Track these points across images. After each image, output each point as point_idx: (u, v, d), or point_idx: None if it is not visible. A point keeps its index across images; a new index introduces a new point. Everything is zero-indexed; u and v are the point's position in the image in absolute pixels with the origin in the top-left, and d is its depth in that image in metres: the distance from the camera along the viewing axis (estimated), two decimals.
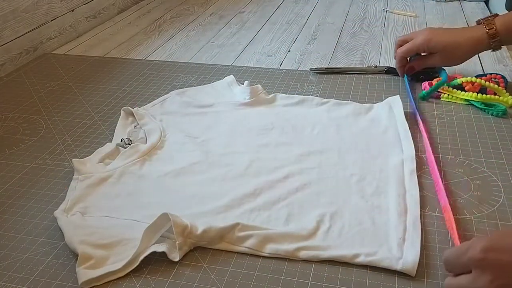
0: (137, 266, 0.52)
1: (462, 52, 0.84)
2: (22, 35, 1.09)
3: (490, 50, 0.85)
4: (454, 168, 0.67)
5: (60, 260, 0.54)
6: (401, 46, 0.90)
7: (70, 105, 0.89)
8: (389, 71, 0.96)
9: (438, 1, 1.42)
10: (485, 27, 0.82)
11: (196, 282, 0.51)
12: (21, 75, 1.02)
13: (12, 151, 0.75)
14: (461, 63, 0.88)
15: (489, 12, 1.32)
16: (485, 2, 1.39)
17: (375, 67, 0.99)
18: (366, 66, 1.01)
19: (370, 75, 0.96)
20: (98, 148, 0.72)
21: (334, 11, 1.40)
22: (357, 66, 1.01)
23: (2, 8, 1.03)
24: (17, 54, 1.08)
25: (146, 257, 0.53)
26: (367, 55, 1.07)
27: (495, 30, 0.82)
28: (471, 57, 0.86)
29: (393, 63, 1.00)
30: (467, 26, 1.22)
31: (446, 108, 0.83)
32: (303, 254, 0.53)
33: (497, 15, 0.84)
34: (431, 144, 0.71)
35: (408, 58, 0.91)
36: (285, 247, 0.54)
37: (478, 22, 0.85)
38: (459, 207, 0.60)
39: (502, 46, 0.85)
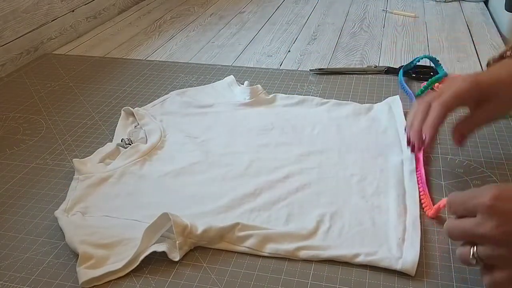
0: (137, 265, 0.53)
1: None
2: (23, 35, 1.09)
3: None
4: (454, 168, 0.67)
5: (61, 259, 0.54)
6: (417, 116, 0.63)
7: (70, 105, 0.89)
8: (389, 71, 0.96)
9: (437, 1, 1.42)
10: None
11: (196, 281, 0.51)
12: (22, 75, 1.02)
13: (13, 151, 0.75)
14: None
15: (488, 13, 1.32)
16: (484, 2, 1.39)
17: (375, 67, 0.99)
18: (366, 66, 1.01)
19: (370, 75, 0.96)
20: (99, 148, 0.72)
21: (334, 11, 1.40)
22: (357, 66, 1.01)
23: (2, 8, 1.03)
24: (17, 54, 1.08)
25: (146, 256, 0.53)
26: (367, 55, 1.07)
27: None
28: None
29: (392, 63, 1.00)
30: (466, 26, 1.22)
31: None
32: (303, 254, 0.54)
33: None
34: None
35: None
36: (285, 247, 0.54)
37: (503, 56, 0.68)
38: None
39: None
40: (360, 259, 0.52)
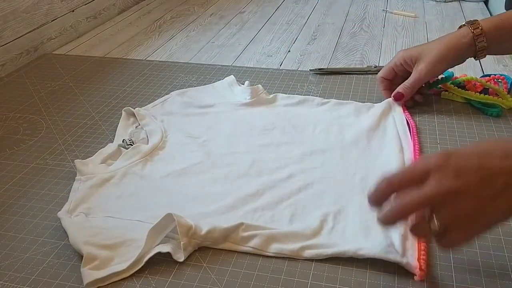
0: None
1: (443, 51, 0.77)
2: (23, 35, 1.09)
3: (474, 57, 0.78)
4: None
5: (61, 259, 0.54)
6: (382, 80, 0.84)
7: (70, 105, 0.89)
8: None
9: (437, 1, 1.42)
10: (469, 27, 0.76)
11: (196, 281, 0.51)
12: (22, 75, 1.02)
13: (13, 151, 0.75)
14: (447, 66, 0.79)
15: (488, 13, 1.32)
16: (484, 2, 1.39)
17: (375, 67, 0.99)
18: (366, 66, 1.01)
19: (370, 75, 0.96)
20: (99, 148, 0.73)
21: (334, 11, 1.40)
22: (357, 66, 1.01)
23: (2, 8, 1.03)
24: (17, 55, 1.08)
25: None
26: (367, 55, 1.07)
27: (480, 28, 0.75)
28: (457, 58, 0.79)
29: None
30: None
31: (446, 108, 0.83)
32: (307, 253, 0.54)
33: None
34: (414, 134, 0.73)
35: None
36: (290, 246, 0.54)
37: (460, 27, 0.79)
38: None
39: (487, 55, 0.78)
40: (363, 252, 0.52)
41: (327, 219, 0.58)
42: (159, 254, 0.53)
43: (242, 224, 0.56)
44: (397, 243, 0.53)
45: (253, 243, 0.55)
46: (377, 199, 0.47)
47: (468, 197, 0.43)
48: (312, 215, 0.58)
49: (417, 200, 0.44)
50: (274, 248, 0.54)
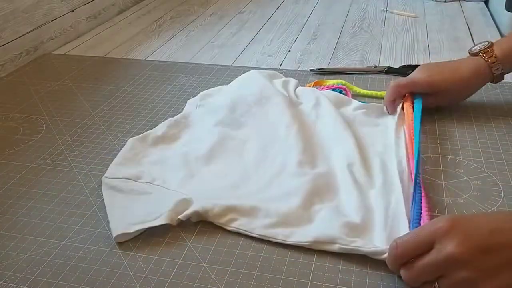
0: (137, 265, 0.53)
1: (469, 89, 0.77)
2: (23, 35, 1.09)
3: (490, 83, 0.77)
4: (454, 168, 0.67)
5: (61, 260, 0.54)
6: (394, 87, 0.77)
7: (70, 105, 0.89)
8: (389, 71, 0.96)
9: (438, 1, 1.42)
10: (483, 57, 0.75)
11: (196, 281, 0.51)
12: (22, 75, 1.02)
13: (13, 151, 0.75)
14: (464, 99, 0.80)
15: (488, 13, 1.32)
16: (484, 2, 1.39)
17: (375, 67, 0.99)
18: (366, 66, 1.01)
19: (370, 75, 0.96)
20: (99, 148, 0.73)
21: (334, 11, 1.40)
22: (357, 66, 1.01)
23: (2, 8, 1.03)
24: (17, 54, 1.08)
25: (145, 257, 0.54)
26: (367, 55, 1.07)
27: (494, 56, 0.74)
28: (475, 88, 0.78)
29: (392, 63, 1.00)
30: (466, 26, 1.22)
31: (446, 107, 0.82)
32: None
33: (491, 42, 0.76)
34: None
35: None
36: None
37: (475, 54, 0.76)
38: (459, 207, 0.60)
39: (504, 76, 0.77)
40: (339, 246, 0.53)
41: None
42: (159, 254, 0.54)
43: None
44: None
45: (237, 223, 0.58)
46: (392, 268, 0.50)
47: (468, 267, 0.43)
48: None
49: (422, 272, 0.46)
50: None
